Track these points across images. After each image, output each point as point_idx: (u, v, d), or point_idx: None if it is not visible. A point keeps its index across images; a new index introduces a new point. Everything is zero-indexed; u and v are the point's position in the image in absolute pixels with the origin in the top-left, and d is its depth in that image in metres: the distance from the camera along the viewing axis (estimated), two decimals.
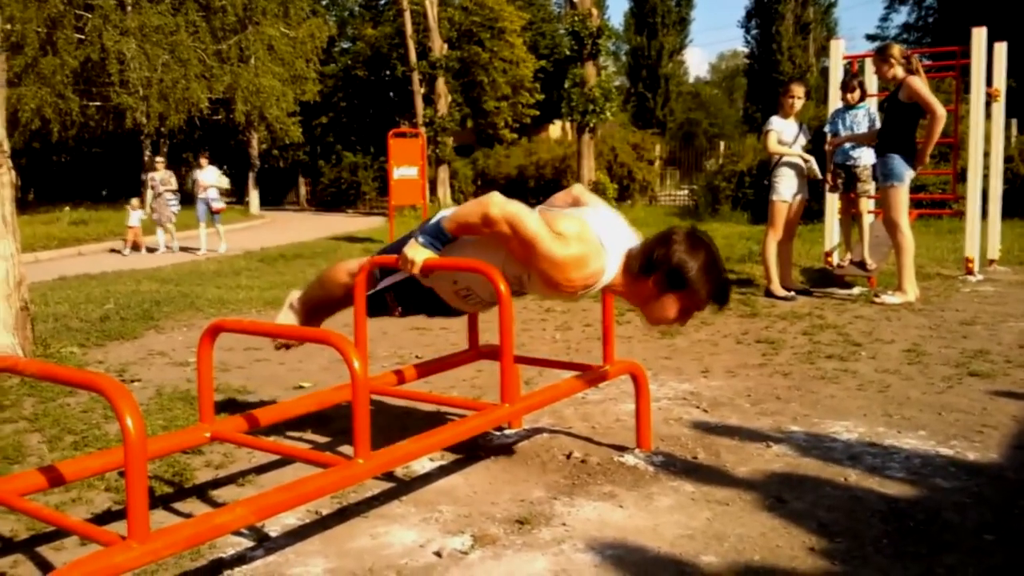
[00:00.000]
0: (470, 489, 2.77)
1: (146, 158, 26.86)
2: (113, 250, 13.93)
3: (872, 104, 7.28)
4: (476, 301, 2.87)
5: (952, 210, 10.01)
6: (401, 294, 2.88)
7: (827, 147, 6.95)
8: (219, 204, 13.80)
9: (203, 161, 13.82)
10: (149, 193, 13.71)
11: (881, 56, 6.22)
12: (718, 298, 2.57)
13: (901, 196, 6.09)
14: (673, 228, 2.60)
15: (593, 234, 2.57)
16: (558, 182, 20.93)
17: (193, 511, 2.60)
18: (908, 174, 6.05)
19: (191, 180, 13.93)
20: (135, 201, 14.14)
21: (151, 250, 13.42)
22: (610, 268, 2.60)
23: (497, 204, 2.52)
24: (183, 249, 13.64)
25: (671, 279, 2.51)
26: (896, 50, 6.14)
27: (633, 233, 2.74)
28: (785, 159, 6.58)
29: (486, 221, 2.53)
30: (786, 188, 6.56)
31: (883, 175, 6.11)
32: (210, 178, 13.65)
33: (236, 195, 38.34)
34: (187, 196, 14.58)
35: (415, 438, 2.48)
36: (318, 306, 3.22)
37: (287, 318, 3.23)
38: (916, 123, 6.02)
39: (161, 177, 13.57)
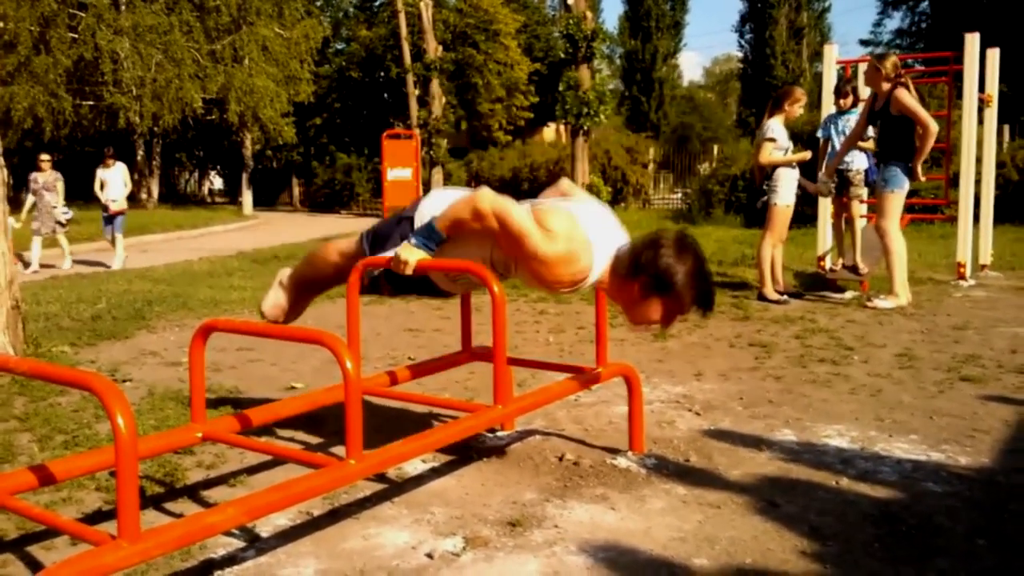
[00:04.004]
0: (462, 491, 2.76)
1: (139, 158, 26.80)
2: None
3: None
4: (466, 282, 2.87)
5: (944, 215, 10.05)
6: (392, 275, 2.84)
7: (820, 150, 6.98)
8: (117, 205, 11.57)
9: (109, 160, 11.87)
10: (30, 198, 11.18)
11: (878, 61, 6.26)
12: (702, 305, 2.57)
13: (898, 202, 6.13)
14: (661, 232, 2.59)
15: (582, 231, 2.57)
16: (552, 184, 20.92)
17: (184, 511, 2.59)
18: (908, 181, 6.11)
19: (99, 181, 11.78)
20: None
21: (26, 264, 10.57)
22: (597, 266, 2.60)
23: (486, 199, 2.53)
24: (81, 263, 11.43)
25: (657, 283, 2.51)
26: (890, 63, 6.16)
27: (622, 231, 2.74)
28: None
29: (476, 216, 2.54)
30: (787, 192, 6.57)
31: (884, 180, 6.14)
32: (116, 178, 11.74)
33: (229, 195, 38.24)
34: (95, 198, 12.23)
35: (407, 439, 2.47)
36: (307, 284, 3.19)
37: (276, 296, 3.20)
38: (912, 130, 6.05)
39: (45, 179, 11.20)
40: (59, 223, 11.23)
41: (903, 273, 6.17)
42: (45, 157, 11.57)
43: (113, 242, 11.61)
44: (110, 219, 11.60)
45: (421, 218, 2.79)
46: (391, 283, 2.90)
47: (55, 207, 11.18)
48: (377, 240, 2.90)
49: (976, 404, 3.66)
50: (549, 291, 2.68)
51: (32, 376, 2.04)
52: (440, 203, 2.75)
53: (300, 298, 3.23)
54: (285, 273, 3.27)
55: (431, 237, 2.63)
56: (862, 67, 8.05)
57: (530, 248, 2.49)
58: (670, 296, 2.53)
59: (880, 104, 6.18)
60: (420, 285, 2.92)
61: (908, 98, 5.96)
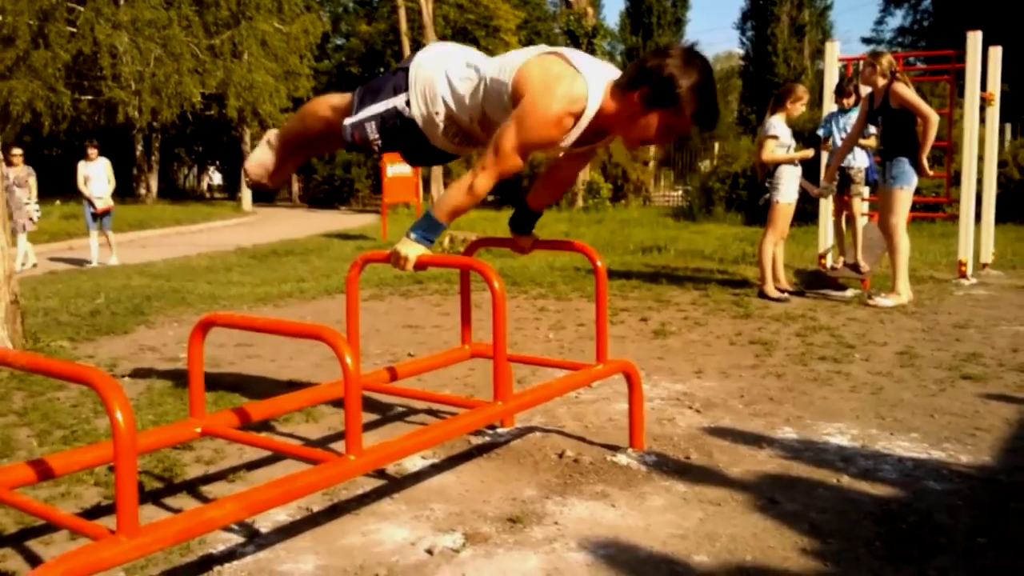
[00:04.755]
0: (462, 487, 2.76)
1: (138, 153, 26.77)
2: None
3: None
4: (461, 139, 2.81)
5: (946, 213, 10.04)
6: (383, 126, 2.76)
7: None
8: (104, 203, 11.24)
9: (92, 152, 11.43)
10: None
11: (873, 58, 6.27)
12: (703, 121, 2.48)
13: (906, 199, 6.11)
14: (671, 43, 2.54)
15: (560, 62, 2.51)
16: None
17: (183, 506, 2.59)
18: (916, 178, 6.09)
19: (82, 176, 11.38)
20: None
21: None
22: (594, 92, 2.51)
23: (480, 184, 2.54)
24: (73, 261, 11.38)
25: (659, 93, 2.41)
26: (885, 61, 6.19)
27: (615, 68, 2.67)
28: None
29: (476, 198, 2.56)
30: (790, 189, 6.56)
31: (893, 177, 6.11)
32: (98, 172, 11.33)
33: (228, 191, 38.21)
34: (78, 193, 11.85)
35: (407, 435, 2.47)
36: (296, 142, 3.13)
37: (262, 153, 3.14)
38: (914, 124, 6.04)
39: (16, 175, 10.66)
40: (30, 219, 10.79)
41: (905, 271, 6.16)
42: (17, 151, 11.04)
43: (109, 241, 11.40)
44: (96, 216, 11.27)
45: (416, 72, 2.74)
46: (381, 135, 2.79)
47: (27, 203, 10.71)
48: (369, 93, 2.83)
49: (977, 402, 3.66)
50: (553, 141, 2.58)
51: (31, 371, 2.03)
52: (438, 62, 2.72)
53: (287, 158, 3.15)
54: (273, 133, 3.19)
55: (431, 229, 2.62)
56: (863, 65, 8.06)
57: (522, 120, 2.46)
58: (671, 108, 2.43)
59: (879, 101, 6.17)
60: (411, 143, 2.84)
61: (906, 90, 5.95)
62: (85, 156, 11.49)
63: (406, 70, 2.76)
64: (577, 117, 2.53)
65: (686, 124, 2.48)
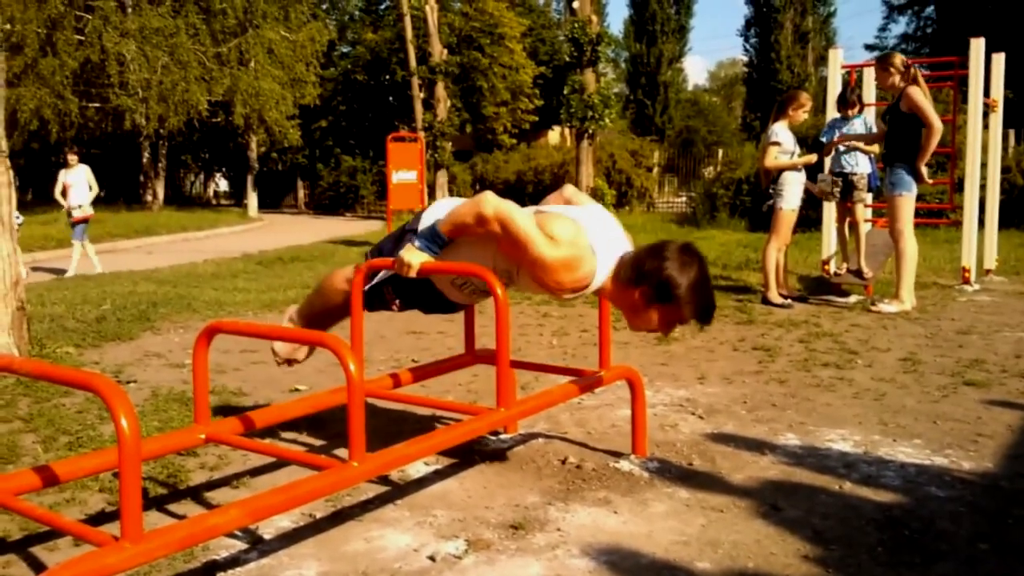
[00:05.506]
0: (465, 493, 2.76)
1: (145, 160, 26.88)
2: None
3: (869, 113, 7.30)
4: (472, 290, 2.86)
5: (949, 220, 10.03)
6: (399, 287, 2.86)
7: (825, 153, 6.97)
8: (83, 211, 10.84)
9: (71, 158, 11.06)
10: None
11: (882, 64, 6.25)
12: (702, 317, 2.59)
13: (908, 205, 6.11)
14: (666, 242, 2.61)
15: (585, 238, 2.57)
16: (556, 188, 20.96)
17: (187, 512, 2.60)
18: (915, 184, 6.08)
19: (60, 184, 10.99)
20: None
21: None
22: (600, 273, 2.61)
23: (490, 203, 2.53)
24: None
25: (658, 293, 2.53)
26: (897, 60, 6.16)
27: (626, 238, 2.75)
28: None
29: (479, 220, 2.54)
30: (793, 196, 6.56)
31: (891, 184, 6.13)
32: (79, 179, 10.93)
33: (235, 197, 38.28)
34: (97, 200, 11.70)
35: (410, 441, 2.47)
36: (317, 317, 3.18)
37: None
38: (920, 132, 6.03)
39: None
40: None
41: (911, 278, 6.15)
42: None
43: (85, 251, 10.90)
44: (74, 223, 10.94)
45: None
46: (399, 296, 2.89)
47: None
48: (383, 255, 2.89)
49: (980, 409, 3.65)
50: (551, 295, 2.69)
51: (37, 377, 2.05)
52: (443, 212, 2.75)
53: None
54: (292, 310, 3.24)
55: (434, 240, 2.64)
56: (867, 72, 8.06)
57: (533, 253, 2.49)
58: (670, 306, 2.55)
59: (894, 101, 6.16)
60: (428, 297, 2.92)
61: (919, 96, 5.93)
62: (65, 163, 11.12)
63: (415, 231, 2.78)
64: (576, 290, 2.62)
65: (685, 320, 2.59)
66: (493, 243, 2.62)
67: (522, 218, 2.52)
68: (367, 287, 2.84)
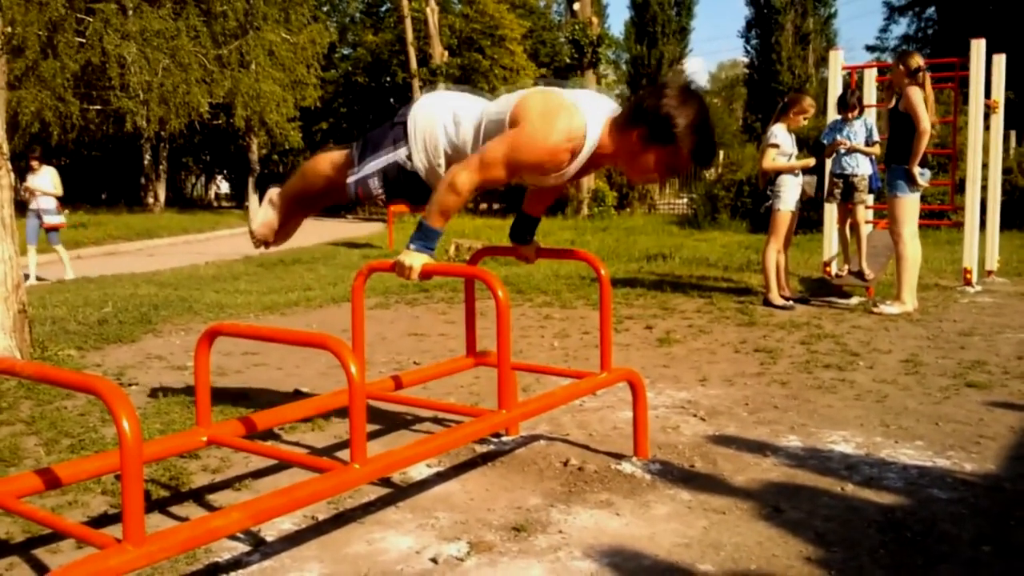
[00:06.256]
0: (467, 496, 2.76)
1: (146, 162, 26.90)
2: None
3: (870, 115, 7.29)
4: None
5: (950, 221, 10.03)
6: (386, 180, 2.82)
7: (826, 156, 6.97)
8: (55, 218, 10.66)
9: (34, 163, 10.70)
10: None
11: (896, 61, 6.24)
12: (700, 157, 2.52)
13: (908, 206, 6.10)
14: (667, 80, 2.59)
15: (557, 96, 2.55)
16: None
17: (189, 515, 2.60)
18: (915, 184, 6.07)
19: (23, 189, 10.73)
20: None
21: None
22: (592, 129, 2.55)
23: (460, 178, 2.54)
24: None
25: (656, 132, 2.46)
26: (913, 60, 6.11)
27: (615, 103, 2.71)
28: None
29: (463, 196, 2.56)
30: (790, 197, 6.57)
31: (890, 185, 6.13)
32: (44, 184, 10.66)
33: (236, 200, 38.32)
34: (20, 206, 10.72)
35: (412, 444, 2.48)
36: (298, 199, 3.18)
37: (266, 214, 3.19)
38: (915, 131, 6.03)
39: None
40: None
41: (913, 279, 6.15)
42: None
43: (60, 257, 10.71)
44: (46, 230, 10.64)
45: (414, 124, 2.78)
46: (385, 188, 2.85)
47: None
48: (368, 146, 2.88)
49: (982, 410, 3.65)
50: (555, 174, 2.63)
51: (38, 380, 2.05)
52: (434, 113, 2.75)
53: (291, 216, 3.20)
54: (275, 191, 3.23)
55: (429, 237, 2.63)
56: (868, 73, 8.07)
57: (515, 145, 2.48)
58: (669, 147, 2.48)
59: (896, 101, 6.16)
60: (415, 191, 2.87)
61: (915, 96, 5.92)
62: (28, 167, 10.70)
63: (404, 123, 2.80)
64: (575, 152, 2.57)
65: (685, 161, 2.53)
66: (483, 139, 2.63)
67: (490, 154, 2.51)
68: (350, 179, 2.83)
